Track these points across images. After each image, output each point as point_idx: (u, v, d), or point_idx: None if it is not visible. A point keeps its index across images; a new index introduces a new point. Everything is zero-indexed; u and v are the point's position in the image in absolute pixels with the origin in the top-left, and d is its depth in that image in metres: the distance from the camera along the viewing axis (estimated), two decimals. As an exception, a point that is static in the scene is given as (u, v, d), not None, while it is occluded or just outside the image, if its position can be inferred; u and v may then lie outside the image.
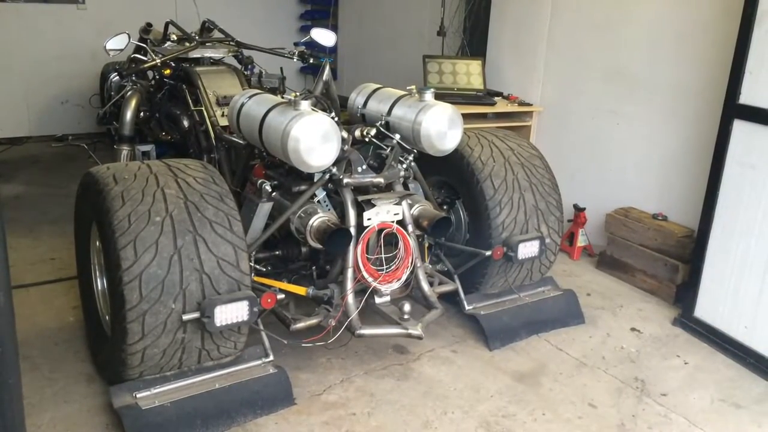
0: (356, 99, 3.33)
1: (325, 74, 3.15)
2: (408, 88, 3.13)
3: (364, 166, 2.89)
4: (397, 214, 2.92)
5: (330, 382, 2.88)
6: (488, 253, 3.15)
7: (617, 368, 3.11)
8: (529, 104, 4.69)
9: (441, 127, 2.95)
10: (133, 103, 4.22)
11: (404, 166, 3.03)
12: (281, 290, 2.87)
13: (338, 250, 2.82)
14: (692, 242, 3.64)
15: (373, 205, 2.85)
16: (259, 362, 2.75)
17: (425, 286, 3.03)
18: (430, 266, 3.24)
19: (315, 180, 2.88)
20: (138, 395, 2.50)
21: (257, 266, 2.97)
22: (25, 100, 6.42)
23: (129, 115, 4.19)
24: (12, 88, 6.34)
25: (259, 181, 2.97)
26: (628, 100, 4.18)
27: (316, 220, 2.81)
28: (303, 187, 2.93)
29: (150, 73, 4.62)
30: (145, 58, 4.18)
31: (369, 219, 2.85)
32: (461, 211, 3.44)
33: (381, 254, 2.88)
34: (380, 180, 2.90)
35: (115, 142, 4.25)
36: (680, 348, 3.33)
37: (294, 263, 3.17)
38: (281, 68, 4.59)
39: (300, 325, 2.83)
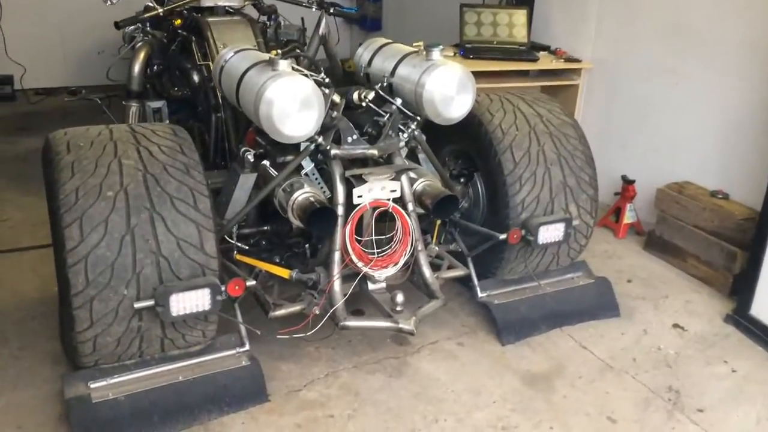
0: (362, 55, 2.94)
1: (321, 27, 2.77)
2: (415, 44, 2.71)
3: (355, 136, 2.52)
4: (395, 190, 2.55)
5: (313, 376, 2.59)
6: (503, 236, 2.76)
7: (649, 374, 2.69)
8: (577, 60, 4.15)
9: (447, 91, 2.54)
10: (142, 56, 3.95)
11: (405, 135, 2.64)
12: (268, 273, 2.60)
13: (321, 231, 2.50)
14: (754, 226, 3.11)
15: (365, 181, 2.49)
16: (233, 352, 2.49)
17: (427, 272, 2.67)
18: (436, 248, 2.86)
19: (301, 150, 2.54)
20: (92, 385, 2.28)
21: (239, 243, 2.69)
22: (61, 50, 6.29)
23: (137, 68, 3.92)
24: (48, 38, 6.20)
25: (242, 150, 2.66)
26: (689, 58, 3.60)
27: (299, 196, 2.48)
28: (289, 158, 2.60)
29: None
30: (156, 6, 3.90)
31: (360, 196, 2.50)
32: (479, 185, 3.03)
33: (372, 236, 2.53)
34: (374, 152, 2.53)
35: (124, 97, 4.01)
36: (729, 351, 2.87)
37: (287, 239, 2.87)
38: (302, 18, 4.22)
39: (280, 312, 2.53)
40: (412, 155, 2.89)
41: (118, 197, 2.19)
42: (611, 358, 2.78)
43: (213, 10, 3.97)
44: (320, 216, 2.40)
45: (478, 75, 3.92)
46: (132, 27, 4.48)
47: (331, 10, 4.00)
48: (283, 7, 4.25)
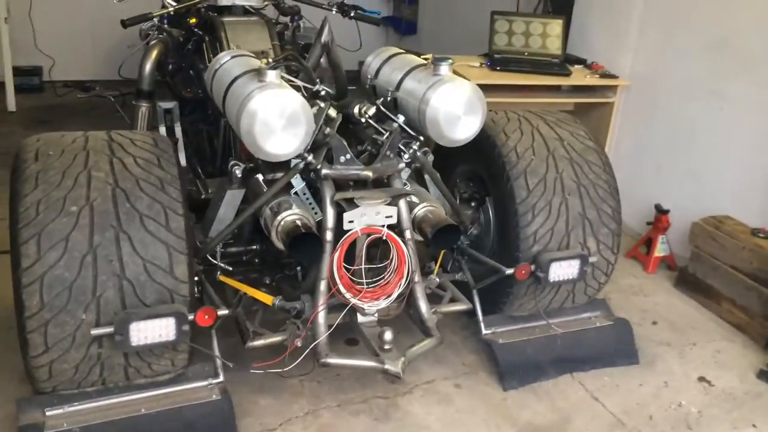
0: (371, 65, 2.72)
1: (324, 34, 2.55)
2: (424, 57, 2.48)
3: (348, 156, 2.30)
4: (390, 216, 2.33)
5: (292, 414, 2.38)
6: (509, 271, 2.50)
7: (666, 436, 2.41)
8: (614, 76, 3.84)
9: (453, 110, 2.30)
10: (154, 54, 3.77)
11: (407, 156, 2.40)
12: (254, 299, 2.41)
13: (305, 258, 2.29)
14: (799, 273, 2.80)
15: (357, 206, 2.27)
16: (205, 383, 2.29)
17: (423, 306, 2.43)
18: (437, 279, 2.61)
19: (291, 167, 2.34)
20: (48, 413, 2.11)
21: (222, 264, 2.50)
22: (91, 43, 6.23)
23: (148, 67, 3.75)
24: (77, 30, 6.15)
25: (231, 164, 2.47)
26: (737, 80, 3.29)
27: (286, 217, 2.27)
28: (278, 175, 2.40)
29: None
30: (169, 4, 3.76)
31: (351, 222, 2.28)
32: (491, 211, 2.78)
33: (362, 265, 2.31)
34: (368, 173, 2.31)
35: (134, 97, 3.87)
36: (760, 413, 2.56)
37: (281, 258, 2.67)
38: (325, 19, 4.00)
39: (258, 342, 2.33)
40: (419, 177, 2.66)
41: (82, 213, 2.02)
42: (624, 413, 2.50)
43: (231, 10, 3.80)
44: (300, 242, 2.19)
45: (504, 88, 3.70)
46: (148, 24, 4.35)
47: (352, 14, 3.81)
48: (305, 10, 4.07)
